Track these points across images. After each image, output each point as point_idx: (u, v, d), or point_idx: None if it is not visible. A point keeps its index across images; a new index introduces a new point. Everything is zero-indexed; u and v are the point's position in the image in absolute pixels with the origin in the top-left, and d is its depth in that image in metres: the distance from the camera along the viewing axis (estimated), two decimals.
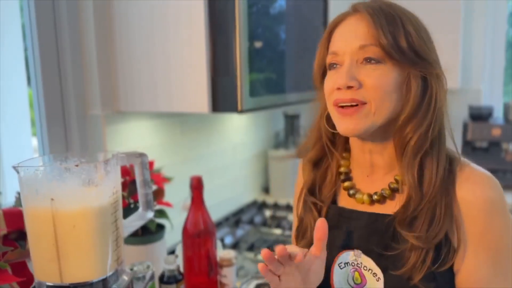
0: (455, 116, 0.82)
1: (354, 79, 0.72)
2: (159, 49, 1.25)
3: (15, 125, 1.33)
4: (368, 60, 0.72)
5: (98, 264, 0.76)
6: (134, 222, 0.90)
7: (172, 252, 1.24)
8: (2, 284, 0.74)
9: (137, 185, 0.88)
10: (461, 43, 2.16)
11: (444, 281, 0.73)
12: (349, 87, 0.72)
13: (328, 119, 0.81)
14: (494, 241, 0.73)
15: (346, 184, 0.83)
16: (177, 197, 1.40)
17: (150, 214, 0.90)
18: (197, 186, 1.12)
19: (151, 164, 1.25)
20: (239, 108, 1.19)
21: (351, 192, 0.82)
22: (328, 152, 0.85)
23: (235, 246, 1.54)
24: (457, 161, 0.76)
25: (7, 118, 1.28)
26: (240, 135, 2.01)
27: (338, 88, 0.73)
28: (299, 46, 1.49)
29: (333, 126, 0.79)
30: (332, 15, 1.68)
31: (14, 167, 0.72)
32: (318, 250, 0.73)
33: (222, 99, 1.21)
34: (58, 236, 0.72)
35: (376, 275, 0.76)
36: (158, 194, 1.24)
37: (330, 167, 0.86)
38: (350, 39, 0.74)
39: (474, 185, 0.73)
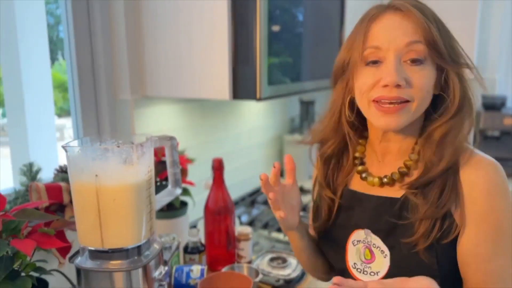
0: None
1: (403, 78, 0.75)
2: (183, 39, 1.34)
3: (39, 105, 1.41)
4: (413, 60, 0.75)
5: (134, 233, 0.87)
6: (164, 197, 1.00)
7: (194, 226, 1.35)
8: (49, 247, 0.86)
9: (167, 165, 0.99)
10: (478, 31, 2.16)
11: (444, 255, 0.79)
12: (398, 86, 0.74)
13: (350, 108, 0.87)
14: (495, 221, 0.77)
15: (360, 168, 0.90)
16: (199, 176, 1.51)
17: (179, 191, 1.00)
18: (218, 167, 1.22)
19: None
20: (258, 96, 1.27)
21: (364, 175, 0.88)
22: (348, 141, 0.90)
23: (250, 224, 1.64)
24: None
25: (33, 99, 1.38)
26: (257, 119, 2.10)
27: (385, 85, 0.75)
28: (316, 36, 1.56)
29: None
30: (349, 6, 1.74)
31: (63, 147, 0.83)
32: (291, 178, 0.87)
33: (242, 87, 1.29)
34: (100, 208, 0.83)
35: (384, 252, 0.83)
36: (182, 174, 1.35)
37: (348, 154, 0.92)
38: (396, 35, 0.75)
39: (477, 168, 0.78)
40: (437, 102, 0.82)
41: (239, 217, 1.69)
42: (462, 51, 0.80)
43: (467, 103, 0.81)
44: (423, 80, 0.76)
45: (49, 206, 1.12)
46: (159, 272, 0.93)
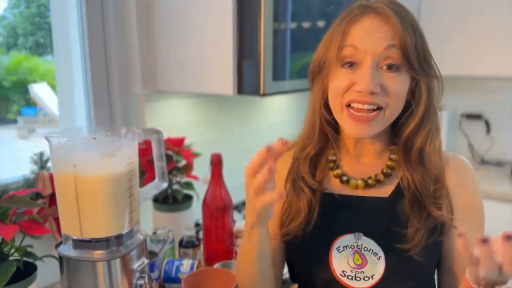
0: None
1: (378, 84, 0.74)
2: (192, 35, 1.35)
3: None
4: (389, 66, 0.75)
5: (113, 223, 0.89)
6: (151, 190, 1.01)
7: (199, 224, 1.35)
8: (36, 234, 0.89)
9: (154, 158, 0.99)
10: None
11: (435, 250, 0.83)
12: (372, 93, 0.74)
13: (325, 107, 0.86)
14: (476, 210, 0.85)
15: (337, 171, 0.87)
16: None
17: (165, 185, 1.01)
18: (217, 162, 1.22)
19: (181, 140, 1.37)
20: (262, 91, 1.26)
21: (344, 178, 0.86)
22: (333, 141, 0.89)
23: None
24: None
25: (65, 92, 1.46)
26: (279, 115, 2.07)
27: (359, 91, 0.75)
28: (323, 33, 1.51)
29: (329, 114, 0.85)
30: None
31: (46, 137, 0.85)
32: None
33: (246, 82, 1.28)
34: (79, 197, 0.85)
35: (377, 254, 0.81)
36: (187, 168, 1.36)
37: (325, 155, 0.90)
38: (375, 39, 0.75)
39: (457, 167, 0.85)
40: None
41: None
42: (433, 62, 0.80)
43: (432, 112, 0.82)
44: (398, 87, 0.76)
45: (53, 194, 1.17)
46: (139, 263, 0.94)
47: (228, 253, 1.25)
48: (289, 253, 0.91)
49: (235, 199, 1.75)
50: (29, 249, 0.94)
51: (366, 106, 0.76)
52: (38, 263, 0.95)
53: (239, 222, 1.30)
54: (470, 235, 0.79)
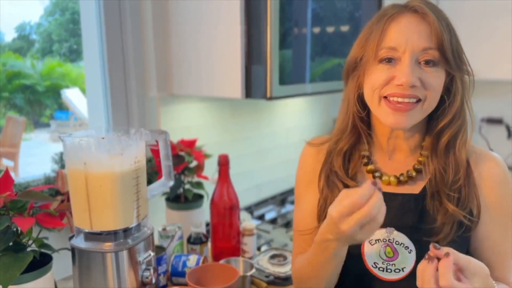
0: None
1: (418, 78, 0.77)
2: (203, 40, 1.41)
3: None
4: (427, 62, 0.78)
5: (121, 217, 0.95)
6: (158, 188, 1.07)
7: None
8: (50, 226, 0.96)
9: (161, 158, 1.05)
10: None
11: (464, 244, 0.85)
12: (413, 86, 0.77)
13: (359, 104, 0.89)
14: (507, 207, 0.86)
15: (370, 167, 0.90)
16: None
17: (171, 183, 1.07)
18: (224, 163, 1.27)
19: (193, 142, 1.43)
20: (268, 95, 1.30)
21: (377, 174, 0.89)
22: (364, 136, 0.91)
23: (273, 221, 1.67)
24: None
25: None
26: (295, 119, 2.11)
27: (399, 85, 0.77)
28: (330, 38, 1.55)
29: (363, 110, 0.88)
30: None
31: (60, 137, 0.93)
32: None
33: (254, 86, 1.33)
34: (89, 193, 0.92)
35: (408, 248, 0.85)
36: (198, 169, 1.41)
37: (358, 151, 0.92)
38: (414, 38, 0.77)
39: (488, 162, 0.86)
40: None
41: (264, 215, 1.73)
42: (465, 58, 0.83)
43: (465, 107, 0.85)
44: (436, 81, 0.79)
45: None
46: (146, 256, 1.00)
47: (235, 251, 1.29)
48: None
49: (247, 200, 1.81)
50: (45, 241, 1.01)
51: (406, 100, 0.78)
52: (55, 257, 1.02)
53: (247, 221, 1.35)
54: (496, 233, 0.85)
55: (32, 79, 5.95)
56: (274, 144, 1.99)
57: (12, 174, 0.97)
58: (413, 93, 0.78)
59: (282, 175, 2.03)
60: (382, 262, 0.86)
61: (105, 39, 1.43)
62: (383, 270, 0.86)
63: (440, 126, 0.84)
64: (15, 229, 0.95)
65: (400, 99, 0.78)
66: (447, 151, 0.85)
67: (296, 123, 2.11)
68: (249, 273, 1.12)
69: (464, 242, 0.85)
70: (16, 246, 0.96)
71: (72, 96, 5.71)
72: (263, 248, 1.41)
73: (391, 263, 0.85)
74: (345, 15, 1.59)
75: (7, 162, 3.53)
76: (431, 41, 0.77)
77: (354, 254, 0.87)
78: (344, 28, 1.58)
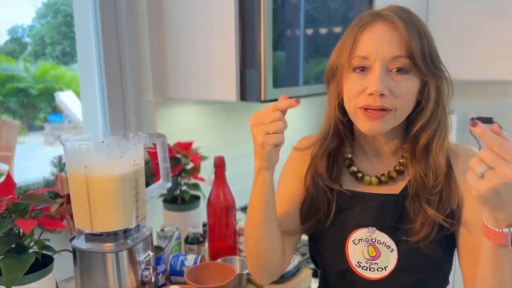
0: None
1: (387, 88, 0.79)
2: (198, 44, 1.44)
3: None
4: (398, 70, 0.80)
5: (121, 219, 0.98)
6: (156, 189, 1.10)
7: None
8: (51, 228, 0.99)
9: (159, 160, 1.08)
10: None
11: (449, 245, 0.87)
12: (382, 95, 0.79)
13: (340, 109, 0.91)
14: None
15: (352, 168, 0.93)
16: None
17: (169, 184, 1.10)
18: (220, 164, 1.30)
19: (189, 144, 1.46)
20: (262, 98, 1.33)
21: (359, 175, 0.92)
22: (346, 140, 0.94)
23: None
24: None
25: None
26: (288, 121, 2.13)
27: (370, 94, 0.79)
28: (323, 39, 1.59)
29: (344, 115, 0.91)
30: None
31: (60, 141, 0.95)
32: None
33: (248, 89, 1.36)
34: (89, 195, 0.95)
35: (390, 247, 0.87)
36: (194, 170, 1.44)
37: (342, 153, 0.95)
38: (384, 46, 0.79)
39: (467, 156, 0.85)
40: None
41: None
42: (442, 65, 0.84)
43: (440, 111, 0.85)
44: (406, 89, 0.81)
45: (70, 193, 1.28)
46: (145, 256, 1.02)
47: (231, 250, 1.32)
48: (310, 244, 0.98)
49: (243, 200, 1.83)
50: (46, 243, 1.04)
51: (375, 108, 0.81)
52: (56, 259, 1.04)
53: (243, 221, 1.38)
54: (476, 219, 0.82)
55: (25, 82, 5.94)
56: None
57: None
58: (382, 104, 0.79)
59: (276, 175, 2.06)
60: (366, 261, 0.88)
61: (101, 43, 1.46)
62: (366, 269, 0.88)
63: (415, 130, 0.85)
64: (17, 231, 0.98)
65: (372, 111, 0.81)
66: (425, 154, 0.86)
67: (290, 125, 2.14)
68: (245, 272, 1.15)
69: (448, 241, 0.87)
70: (18, 248, 0.98)
71: (66, 99, 5.71)
72: None
73: (374, 262, 0.88)
74: (338, 16, 1.63)
75: (2, 166, 3.53)
76: (401, 49, 0.79)
77: (339, 254, 0.90)
78: (337, 29, 1.61)
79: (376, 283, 0.88)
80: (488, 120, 2.58)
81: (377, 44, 0.80)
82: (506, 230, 0.67)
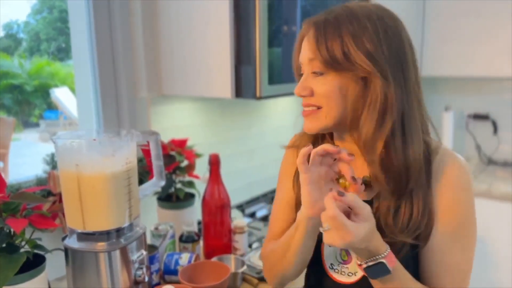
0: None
1: (306, 89, 0.84)
2: (193, 41, 1.42)
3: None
4: (314, 72, 0.83)
5: (113, 217, 0.96)
6: (150, 188, 1.09)
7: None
8: (43, 227, 0.98)
9: (152, 158, 1.07)
10: None
11: (413, 261, 0.85)
12: (301, 95, 0.85)
13: None
14: (458, 214, 0.82)
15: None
16: None
17: (162, 182, 1.08)
18: (214, 162, 1.29)
19: (184, 141, 1.45)
20: (258, 95, 1.32)
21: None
22: (321, 140, 0.94)
23: (265, 218, 1.69)
24: (434, 148, 0.85)
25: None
26: (284, 118, 2.13)
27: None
28: None
29: None
30: None
31: (51, 139, 0.94)
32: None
33: (243, 86, 1.35)
34: (81, 193, 0.93)
35: None
36: (189, 168, 1.43)
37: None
38: (305, 52, 0.84)
39: (449, 166, 0.83)
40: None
41: (255, 213, 1.75)
42: (368, 59, 0.77)
43: (394, 111, 0.78)
44: (322, 89, 0.82)
45: None
46: (138, 255, 1.01)
47: (226, 248, 1.31)
48: None
49: (238, 198, 1.83)
50: (38, 242, 1.02)
51: (305, 108, 0.86)
52: (48, 258, 1.03)
53: (238, 219, 1.37)
54: (444, 241, 0.81)
55: (20, 78, 5.91)
56: (264, 143, 2.01)
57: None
58: (308, 102, 0.84)
59: (272, 173, 2.05)
60: (338, 265, 0.89)
61: (95, 39, 1.44)
62: (337, 272, 0.89)
63: (360, 129, 0.81)
64: (8, 231, 0.96)
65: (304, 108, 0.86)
66: (384, 166, 0.80)
67: (285, 122, 2.13)
68: (240, 270, 1.14)
69: (415, 260, 0.85)
70: (9, 247, 0.97)
71: (61, 95, 5.68)
72: (254, 245, 1.43)
73: (345, 266, 0.89)
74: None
75: None
76: (312, 53, 0.81)
77: (316, 254, 0.90)
78: None
79: (346, 287, 0.89)
80: (484, 117, 2.58)
81: (304, 50, 0.85)
82: (364, 264, 0.75)
